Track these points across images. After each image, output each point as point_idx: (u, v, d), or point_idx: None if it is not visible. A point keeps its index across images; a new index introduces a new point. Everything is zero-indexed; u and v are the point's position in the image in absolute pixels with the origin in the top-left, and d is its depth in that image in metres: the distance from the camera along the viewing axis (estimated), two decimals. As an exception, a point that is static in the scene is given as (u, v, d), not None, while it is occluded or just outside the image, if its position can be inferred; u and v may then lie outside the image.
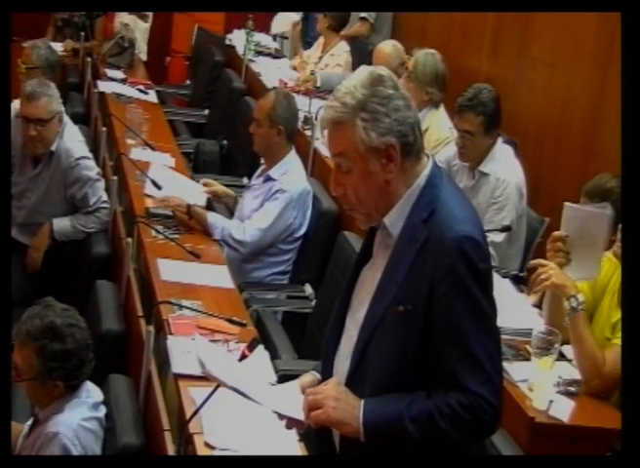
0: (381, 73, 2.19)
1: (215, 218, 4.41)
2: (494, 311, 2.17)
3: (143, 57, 7.37)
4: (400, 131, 2.15)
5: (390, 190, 2.19)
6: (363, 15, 7.75)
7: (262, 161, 4.75)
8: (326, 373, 2.29)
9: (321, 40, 7.28)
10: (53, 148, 4.58)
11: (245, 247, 4.44)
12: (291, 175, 4.57)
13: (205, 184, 4.78)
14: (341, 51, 7.07)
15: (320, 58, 7.11)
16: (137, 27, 7.20)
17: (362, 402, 2.15)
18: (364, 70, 2.22)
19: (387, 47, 6.09)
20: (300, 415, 2.18)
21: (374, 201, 2.20)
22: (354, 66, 7.06)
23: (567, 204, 3.31)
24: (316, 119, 5.44)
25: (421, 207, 2.17)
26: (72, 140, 4.66)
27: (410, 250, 2.16)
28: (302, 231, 4.62)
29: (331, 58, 7.09)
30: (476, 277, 2.11)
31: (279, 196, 4.48)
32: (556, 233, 3.33)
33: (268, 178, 4.58)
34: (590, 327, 3.26)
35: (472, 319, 2.10)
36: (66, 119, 4.71)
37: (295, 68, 7.13)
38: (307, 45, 7.71)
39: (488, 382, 2.11)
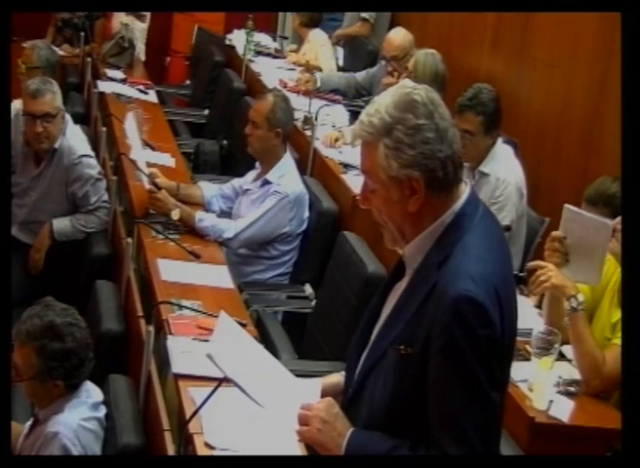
0: (416, 99, 2.03)
1: (204, 222, 4.33)
2: (490, 380, 1.97)
3: (142, 56, 7.38)
4: (426, 165, 1.99)
5: (415, 220, 2.05)
6: (364, 15, 7.77)
7: (257, 165, 4.75)
8: (347, 380, 2.23)
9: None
10: (56, 146, 4.59)
11: (235, 240, 4.42)
12: (287, 177, 4.57)
13: (151, 174, 4.48)
14: (315, 36, 7.23)
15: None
16: (134, 28, 7.21)
17: (349, 433, 2.09)
18: (401, 89, 2.06)
19: (398, 35, 6.10)
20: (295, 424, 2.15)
21: (397, 226, 2.07)
22: (354, 66, 7.09)
23: (567, 206, 3.30)
24: (316, 119, 5.45)
25: (441, 247, 2.02)
26: (74, 138, 4.68)
27: (422, 290, 2.02)
28: (301, 231, 4.62)
29: (307, 45, 7.25)
30: (473, 343, 1.93)
31: (274, 197, 4.48)
32: (555, 233, 3.33)
33: (265, 182, 4.58)
34: (590, 327, 3.26)
35: (460, 385, 1.95)
36: (68, 118, 4.72)
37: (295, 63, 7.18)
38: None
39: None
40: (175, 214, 4.31)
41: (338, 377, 2.34)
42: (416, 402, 2.01)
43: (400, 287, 2.14)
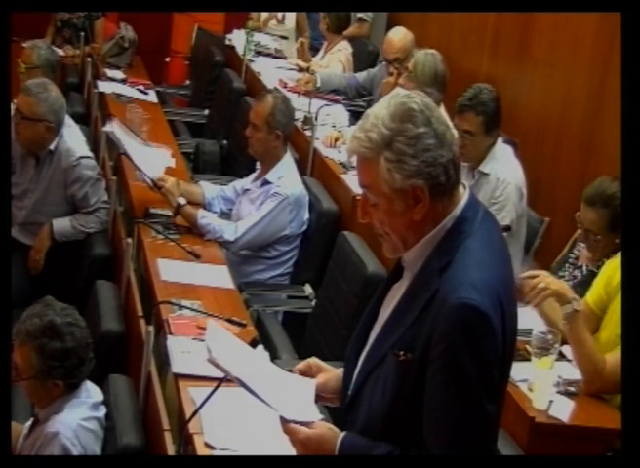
0: (413, 107, 1.99)
1: (206, 220, 4.37)
2: (488, 390, 1.94)
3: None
4: (429, 172, 1.97)
5: (418, 227, 2.02)
6: (361, 15, 7.75)
7: (258, 165, 4.75)
8: (346, 382, 2.21)
9: (325, 43, 7.34)
10: (52, 148, 4.58)
11: (236, 243, 4.42)
12: (287, 178, 4.57)
13: (161, 180, 4.44)
14: (342, 48, 7.11)
15: (322, 58, 7.16)
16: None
17: (339, 438, 2.07)
18: (395, 99, 2.02)
19: (399, 36, 6.08)
20: (303, 416, 2.13)
21: (401, 236, 2.05)
22: (354, 66, 7.08)
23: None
24: (316, 119, 5.45)
25: (442, 253, 2.00)
26: (73, 140, 4.66)
27: (422, 296, 2.00)
28: (301, 231, 4.62)
29: (331, 56, 7.13)
30: (473, 352, 1.91)
31: (274, 199, 4.48)
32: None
33: (265, 182, 4.58)
34: (588, 331, 3.27)
35: (456, 394, 1.92)
36: (67, 119, 4.70)
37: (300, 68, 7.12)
38: (311, 47, 7.71)
39: None
40: (182, 200, 4.35)
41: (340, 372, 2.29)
42: (415, 409, 1.99)
43: (399, 288, 2.12)
